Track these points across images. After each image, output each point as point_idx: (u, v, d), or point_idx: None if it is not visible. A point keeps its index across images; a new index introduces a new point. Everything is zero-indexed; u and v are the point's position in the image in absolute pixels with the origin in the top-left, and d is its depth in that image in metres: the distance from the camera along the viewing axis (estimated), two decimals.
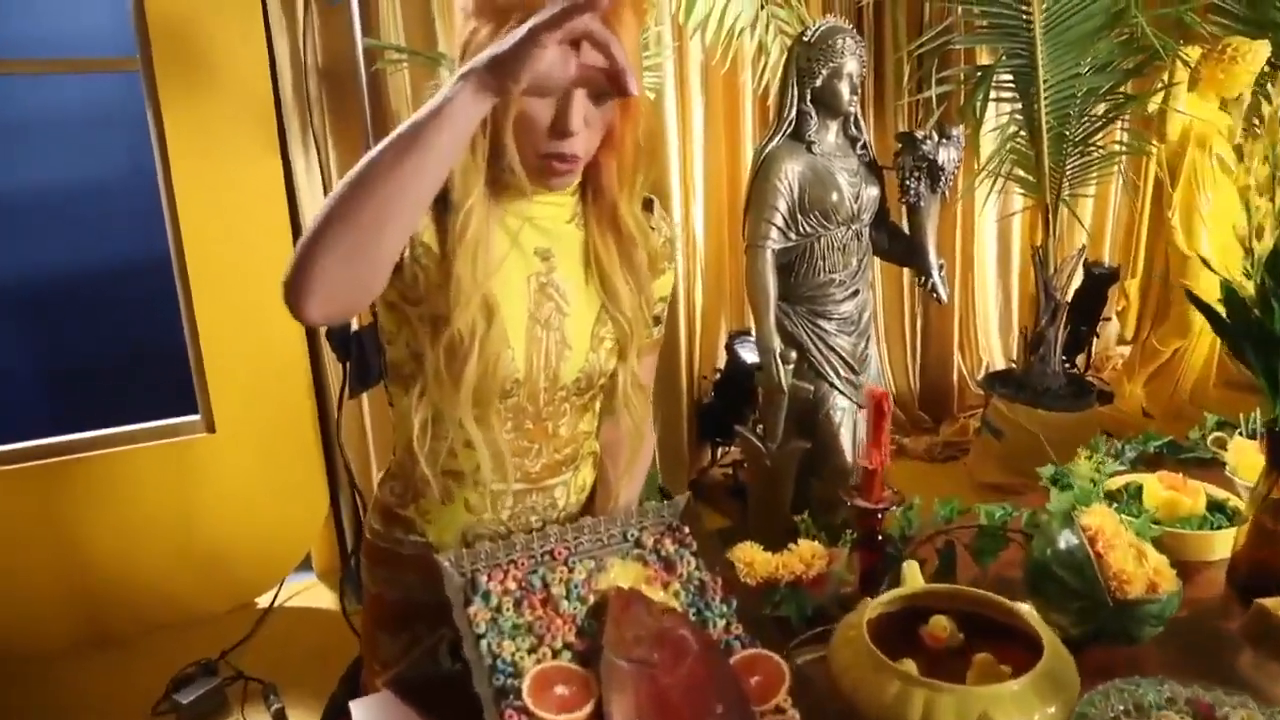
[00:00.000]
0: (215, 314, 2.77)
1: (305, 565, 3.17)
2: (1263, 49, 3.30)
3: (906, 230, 2.77)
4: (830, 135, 2.61)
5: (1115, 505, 1.48)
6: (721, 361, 3.49)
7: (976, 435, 3.57)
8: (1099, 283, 3.80)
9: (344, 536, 3.14)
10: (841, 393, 2.73)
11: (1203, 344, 3.69)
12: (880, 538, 1.28)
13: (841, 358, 2.72)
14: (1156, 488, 1.48)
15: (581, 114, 0.98)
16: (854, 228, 2.65)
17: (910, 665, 0.94)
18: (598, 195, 1.11)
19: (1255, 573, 1.30)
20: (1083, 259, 3.59)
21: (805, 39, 2.54)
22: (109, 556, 2.79)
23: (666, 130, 3.19)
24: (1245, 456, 1.61)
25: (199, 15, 2.55)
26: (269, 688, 2.58)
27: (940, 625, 1.02)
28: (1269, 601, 1.21)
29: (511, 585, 1.04)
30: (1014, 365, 3.75)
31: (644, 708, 0.92)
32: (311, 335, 2.91)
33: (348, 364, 2.01)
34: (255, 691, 2.59)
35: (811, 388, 2.68)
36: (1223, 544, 1.39)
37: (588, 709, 0.93)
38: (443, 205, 1.03)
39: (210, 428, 2.87)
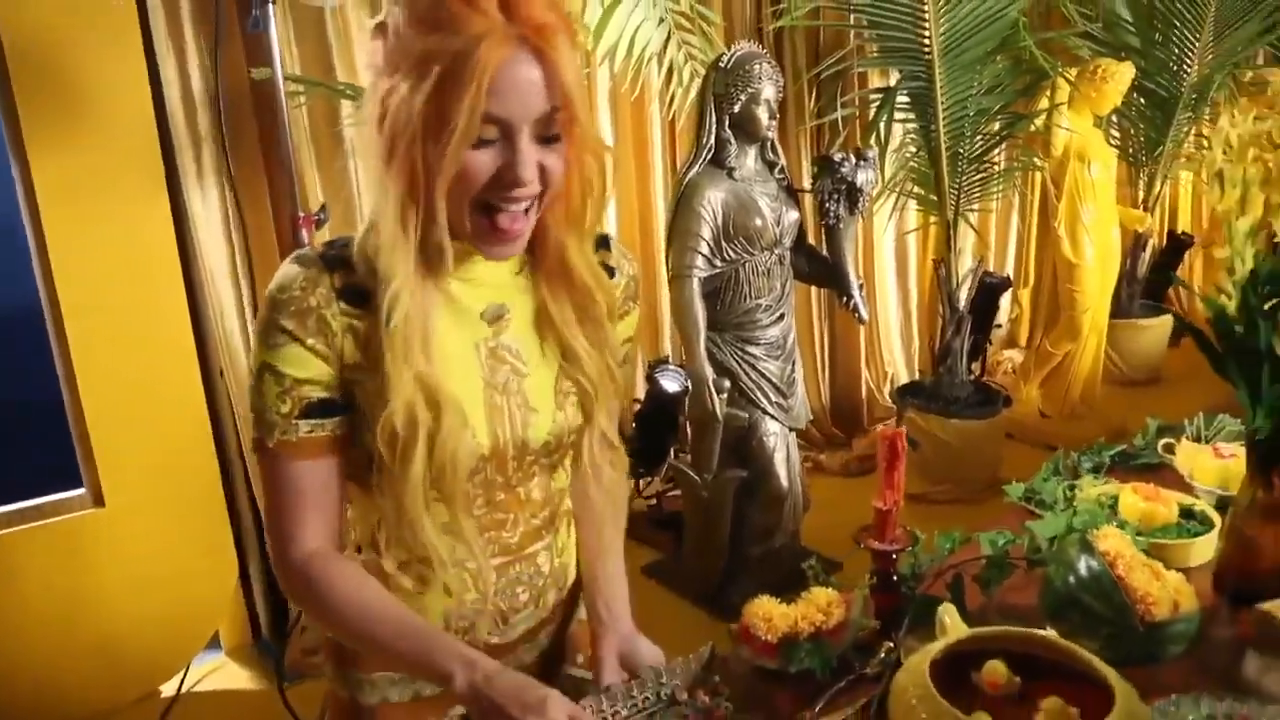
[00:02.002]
0: (99, 373, 2.50)
1: (212, 644, 2.92)
2: (1128, 69, 3.53)
3: (825, 252, 2.80)
4: (749, 160, 2.61)
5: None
6: (641, 391, 3.43)
7: None
8: (992, 292, 3.93)
9: (255, 606, 2.92)
10: (773, 418, 2.73)
11: (1090, 346, 3.87)
12: (895, 578, 1.25)
13: (771, 382, 2.72)
14: (1133, 499, 1.50)
15: (529, 163, 0.90)
16: (777, 252, 2.65)
17: (985, 718, 0.90)
18: (543, 241, 1.01)
19: (1243, 578, 1.33)
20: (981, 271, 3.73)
21: (722, 65, 2.53)
22: None
23: None
24: (1198, 460, 1.67)
25: (67, 47, 2.32)
26: None
27: (998, 670, 0.99)
28: (1270, 605, 1.24)
29: None
30: (921, 376, 3.84)
31: None
32: (210, 391, 2.69)
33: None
34: None
35: (746, 415, 2.66)
36: (1202, 550, 1.42)
37: None
38: (364, 300, 0.94)
39: (98, 501, 2.60)
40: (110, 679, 2.65)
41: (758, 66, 2.51)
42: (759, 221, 2.56)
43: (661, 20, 2.73)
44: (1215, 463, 1.64)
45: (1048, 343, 4.00)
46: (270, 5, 1.93)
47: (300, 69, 2.56)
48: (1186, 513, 1.51)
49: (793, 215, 2.67)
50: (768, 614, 1.21)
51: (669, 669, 1.08)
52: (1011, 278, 4.05)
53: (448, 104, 0.84)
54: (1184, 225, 5.03)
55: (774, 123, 2.58)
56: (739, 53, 2.54)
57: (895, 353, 4.09)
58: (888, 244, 3.96)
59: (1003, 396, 3.57)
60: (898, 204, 3.40)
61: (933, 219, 3.50)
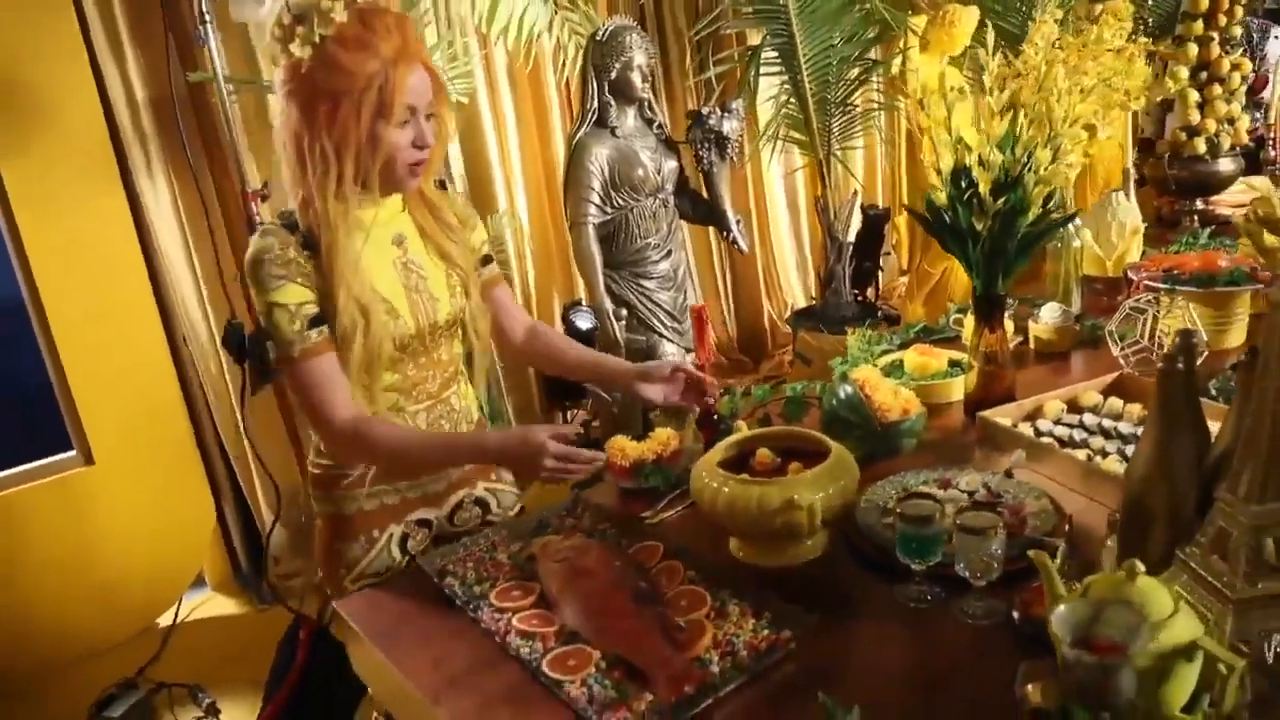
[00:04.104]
0: (79, 350, 2.88)
1: (199, 580, 3.31)
2: (973, 12, 3.97)
3: (705, 195, 3.23)
4: (629, 119, 3.02)
5: (888, 374, 1.98)
6: (563, 330, 3.86)
7: (790, 366, 4.11)
8: (875, 222, 4.40)
9: (233, 545, 3.31)
10: (669, 340, 3.16)
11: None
12: (715, 417, 1.70)
13: (665, 310, 3.15)
14: (913, 357, 1.98)
15: (429, 132, 1.43)
16: (660, 197, 3.08)
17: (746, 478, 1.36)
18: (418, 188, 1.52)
19: (977, 400, 1.80)
20: (858, 203, 4.18)
21: (597, 39, 2.94)
22: (3, 601, 2.86)
23: (484, 129, 3.52)
24: (973, 328, 2.14)
25: (21, 62, 2.65)
26: (194, 688, 2.74)
27: (764, 454, 1.44)
28: (986, 413, 1.72)
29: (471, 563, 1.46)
30: (814, 302, 4.31)
31: (568, 580, 1.31)
32: (176, 354, 3.07)
33: (246, 364, 2.25)
34: (181, 695, 2.75)
35: (644, 339, 3.10)
36: (959, 387, 1.89)
37: (533, 598, 1.34)
38: (315, 248, 1.40)
39: (88, 460, 2.98)
40: (112, 616, 3.05)
41: (629, 37, 2.92)
42: (641, 171, 2.99)
43: (546, 1, 3.12)
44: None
45: (925, 264, 4.49)
46: (209, 25, 2.31)
47: (230, 69, 2.92)
48: (956, 364, 1.98)
49: (671, 164, 3.09)
50: (622, 447, 1.66)
51: (545, 511, 1.58)
52: (889, 209, 4.52)
53: (384, 100, 1.35)
54: None
55: (647, 85, 2.99)
56: (611, 27, 2.94)
57: (792, 282, 4.56)
58: (778, 185, 4.41)
59: (882, 313, 4.05)
60: (779, 147, 3.83)
61: (808, 160, 3.94)
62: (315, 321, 1.41)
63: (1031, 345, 2.13)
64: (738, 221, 3.23)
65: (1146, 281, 2.02)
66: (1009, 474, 1.45)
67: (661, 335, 3.15)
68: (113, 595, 3.05)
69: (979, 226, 1.65)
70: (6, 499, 2.85)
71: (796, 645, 1.17)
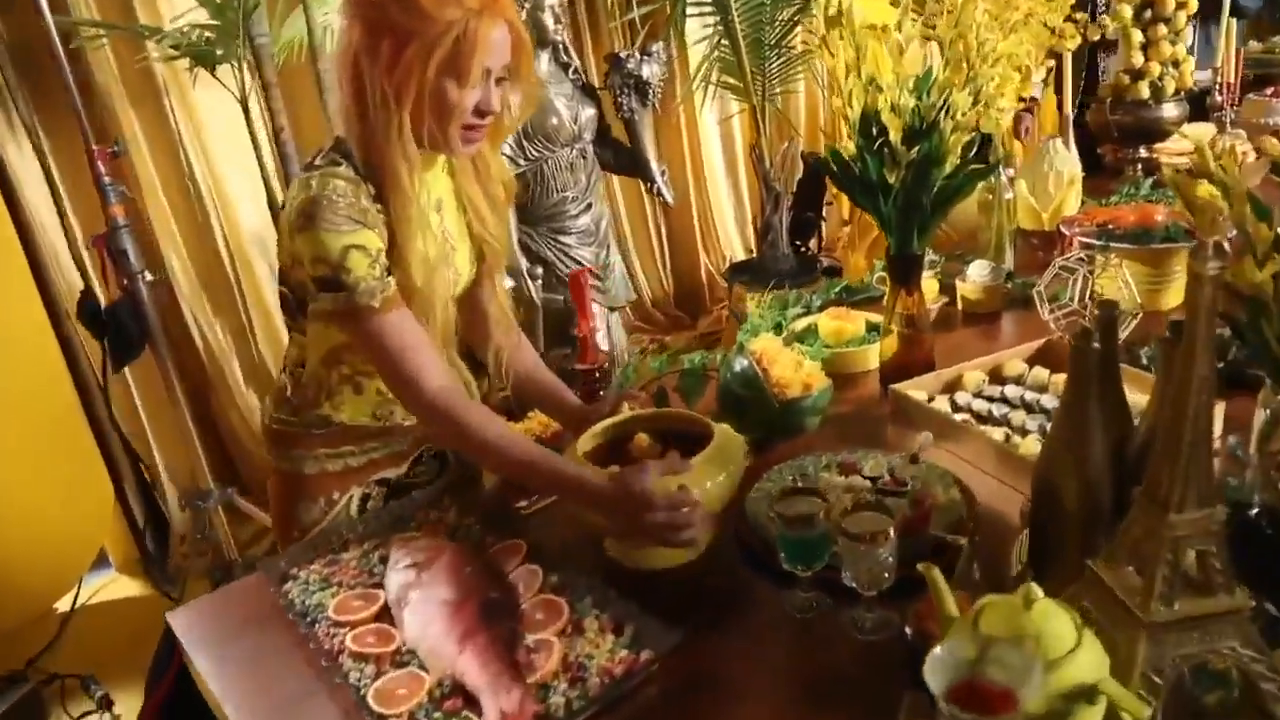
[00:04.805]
0: None
1: (103, 562, 3.13)
2: None
3: (628, 144, 3.04)
4: (543, 65, 2.80)
5: (800, 340, 1.82)
6: None
7: (728, 322, 3.95)
8: (816, 171, 4.23)
9: (137, 524, 3.12)
10: (591, 300, 2.99)
11: None
12: (600, 391, 1.54)
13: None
14: (826, 321, 1.82)
15: (496, 98, 1.24)
16: (578, 147, 2.87)
17: (615, 469, 1.20)
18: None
19: (899, 372, 1.65)
20: (799, 152, 4.00)
21: None
22: None
23: None
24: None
25: None
26: (86, 679, 2.59)
27: (642, 440, 1.28)
28: (899, 385, 1.57)
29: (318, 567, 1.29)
30: (751, 255, 4.15)
31: (410, 588, 1.17)
32: (57, 323, 2.84)
33: (105, 340, 2.05)
34: (74, 688, 2.59)
35: (562, 298, 2.92)
36: (873, 355, 1.74)
37: (375, 609, 1.18)
38: (381, 200, 1.23)
39: None
40: (6, 600, 2.85)
41: None
42: (555, 120, 2.78)
43: None
44: None
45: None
46: None
47: (99, 14, 2.66)
48: (874, 328, 1.83)
49: (589, 112, 2.89)
50: None
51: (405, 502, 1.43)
52: None
53: (458, 55, 1.17)
54: None
55: (560, 26, 2.78)
56: None
57: (730, 234, 4.39)
58: (712, 132, 4.21)
59: (821, 266, 3.90)
60: (712, 93, 3.63)
61: (743, 105, 3.75)
62: (389, 270, 1.24)
63: (959, 306, 1.98)
64: (663, 172, 3.04)
65: (1079, 237, 1.87)
66: (914, 459, 1.30)
67: None
68: (6, 579, 2.85)
69: (890, 179, 1.49)
70: None
71: (658, 667, 1.02)
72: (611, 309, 3.06)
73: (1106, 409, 1.01)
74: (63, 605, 2.96)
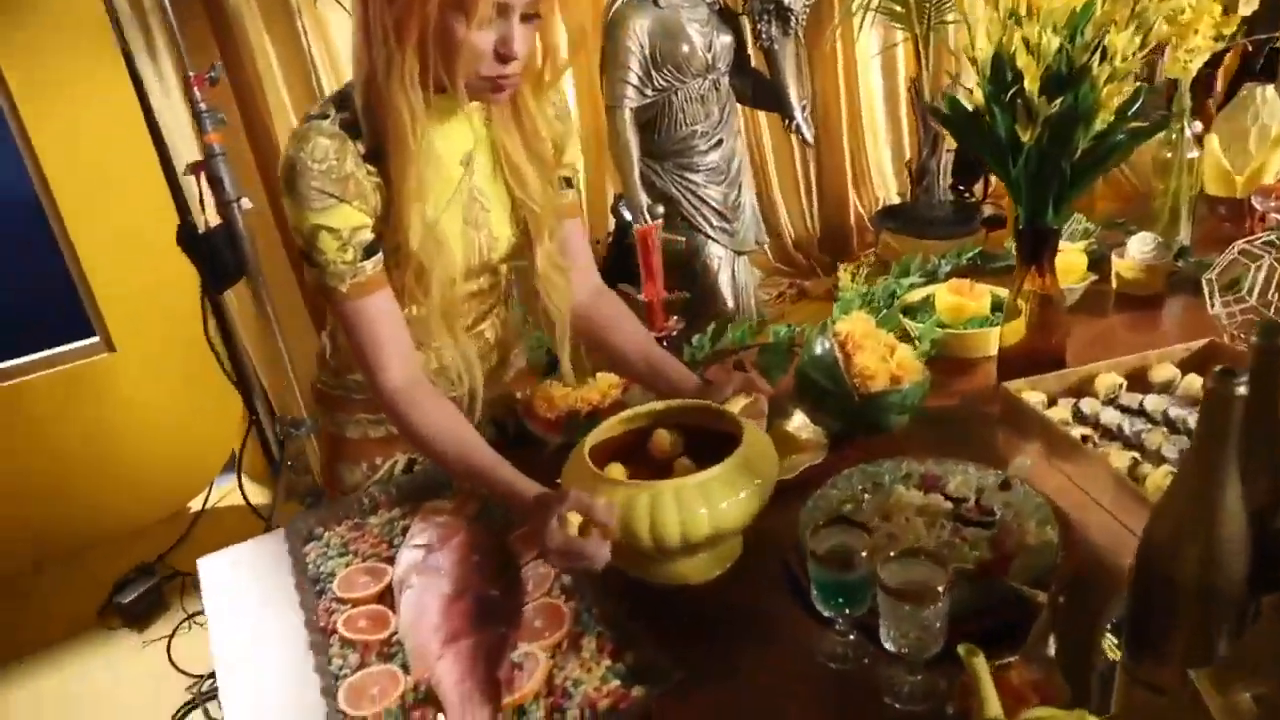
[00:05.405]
0: (93, 238, 2.79)
1: (233, 466, 3.26)
2: None
3: (768, 75, 2.80)
4: None
5: (912, 315, 1.60)
6: (612, 226, 3.53)
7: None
8: None
9: (264, 434, 3.23)
10: (716, 241, 2.81)
11: None
12: (664, 344, 1.38)
13: (712, 207, 2.78)
14: (945, 294, 1.58)
15: (522, 40, 1.05)
16: (710, 78, 2.66)
17: (618, 468, 1.05)
18: (511, 100, 1.16)
19: (1021, 363, 1.40)
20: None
21: None
22: (37, 480, 2.88)
23: None
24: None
25: None
26: None
27: (661, 437, 1.12)
28: (1014, 383, 1.33)
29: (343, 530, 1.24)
30: (905, 199, 3.82)
31: (413, 572, 1.08)
32: None
33: (202, 266, 2.06)
34: (193, 586, 2.73)
35: (682, 239, 2.75)
36: (991, 340, 1.49)
37: (379, 588, 1.10)
38: (380, 159, 1.09)
39: (110, 347, 2.93)
40: (142, 498, 3.04)
41: None
42: (686, 48, 2.58)
43: None
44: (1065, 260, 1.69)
45: None
46: None
47: None
48: (1000, 305, 1.57)
49: (725, 39, 2.66)
50: (548, 396, 1.37)
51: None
52: None
53: None
54: None
55: None
56: None
57: (886, 176, 4.05)
58: (872, 64, 3.86)
59: (981, 216, 3.54)
60: (871, 20, 3.30)
61: (906, 35, 3.40)
62: (372, 249, 1.12)
63: (1113, 285, 1.69)
64: (804, 108, 2.79)
65: (1272, 213, 1.53)
66: (1006, 484, 1.09)
67: (708, 236, 2.80)
68: (142, 479, 3.04)
69: (1023, 136, 1.23)
70: (32, 384, 2.85)
71: (651, 709, 0.88)
72: (739, 253, 2.86)
73: (1255, 463, 0.77)
74: (195, 505, 3.12)
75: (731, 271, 2.84)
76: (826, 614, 0.91)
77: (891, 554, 0.85)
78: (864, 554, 0.87)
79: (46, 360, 2.90)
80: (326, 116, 1.09)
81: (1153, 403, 1.26)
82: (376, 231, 1.12)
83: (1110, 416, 1.25)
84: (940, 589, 0.81)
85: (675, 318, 1.39)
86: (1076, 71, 1.20)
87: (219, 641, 1.12)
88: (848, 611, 0.90)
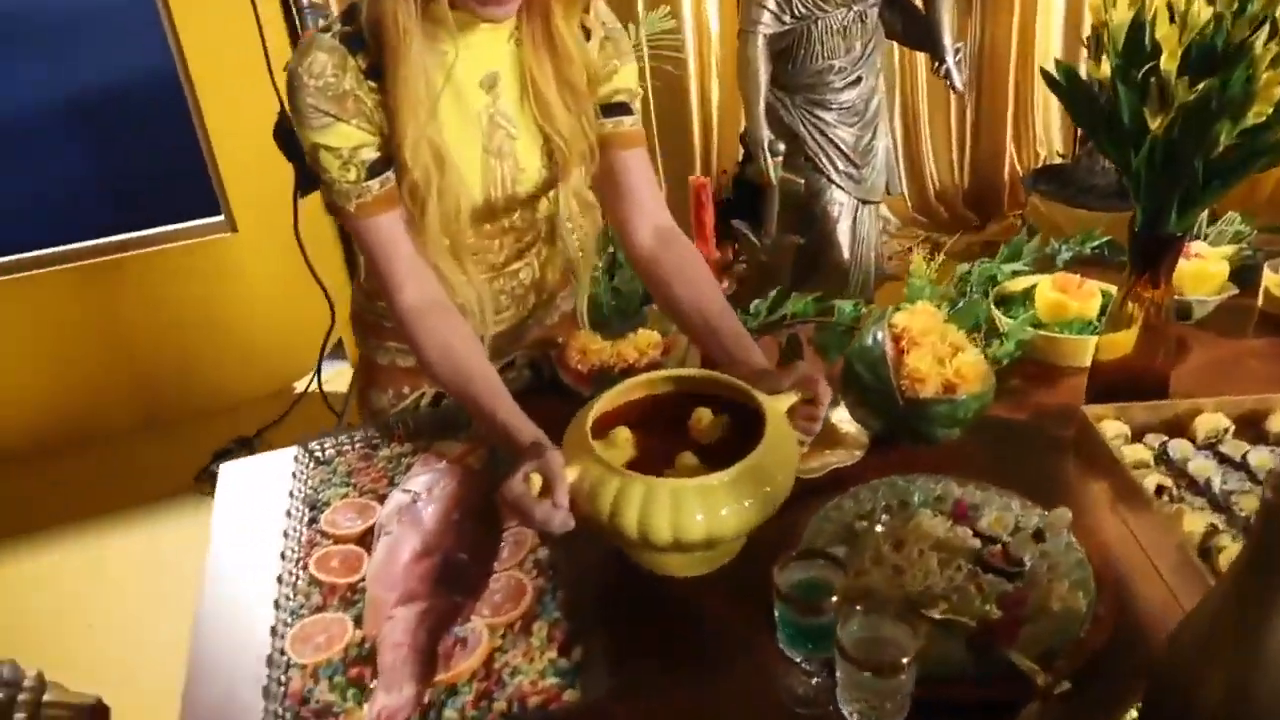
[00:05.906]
0: (225, 120, 2.87)
1: (343, 354, 3.37)
2: None
3: (923, 11, 2.55)
4: None
5: (1005, 307, 1.43)
6: (741, 155, 3.37)
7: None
8: None
9: None
10: (840, 187, 2.62)
11: None
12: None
13: (841, 150, 2.59)
14: (1048, 289, 1.40)
15: None
16: (856, 9, 2.45)
17: (624, 436, 0.97)
18: (531, 7, 1.08)
19: (1116, 383, 1.22)
20: None
21: None
22: (154, 346, 3.07)
23: None
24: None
25: None
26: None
27: (702, 415, 1.01)
28: (1097, 408, 1.16)
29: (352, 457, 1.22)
30: (1064, 160, 3.47)
31: (392, 520, 1.05)
32: None
33: (295, 164, 2.06)
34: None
35: (802, 181, 2.58)
36: (1087, 350, 1.30)
37: (363, 529, 1.08)
38: (378, 70, 1.03)
39: (233, 228, 3.05)
40: (250, 374, 3.20)
41: None
42: None
43: None
44: (1196, 263, 1.47)
45: None
46: None
47: None
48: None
49: None
50: (584, 346, 1.29)
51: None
52: None
53: None
54: None
55: None
56: None
57: (1053, 131, 3.68)
58: (1056, 4, 3.48)
59: None
60: None
61: None
62: (377, 168, 1.07)
63: (1259, 303, 1.45)
64: (956, 51, 2.53)
65: None
66: (1040, 536, 0.94)
67: (830, 180, 2.62)
68: (251, 355, 3.20)
69: (1152, 123, 1.03)
70: (161, 255, 3.01)
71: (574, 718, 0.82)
72: (864, 201, 2.66)
73: None
74: (300, 386, 3.24)
75: (853, 220, 2.65)
76: (794, 656, 0.81)
77: (857, 607, 0.74)
78: (834, 599, 0.77)
79: (173, 234, 3.04)
80: (328, 29, 1.03)
81: (1259, 457, 1.07)
82: (384, 151, 1.06)
83: (1200, 465, 1.07)
84: (905, 660, 0.70)
85: (727, 282, 1.27)
86: (1232, 50, 0.99)
87: (217, 550, 1.13)
88: (815, 654, 0.80)
